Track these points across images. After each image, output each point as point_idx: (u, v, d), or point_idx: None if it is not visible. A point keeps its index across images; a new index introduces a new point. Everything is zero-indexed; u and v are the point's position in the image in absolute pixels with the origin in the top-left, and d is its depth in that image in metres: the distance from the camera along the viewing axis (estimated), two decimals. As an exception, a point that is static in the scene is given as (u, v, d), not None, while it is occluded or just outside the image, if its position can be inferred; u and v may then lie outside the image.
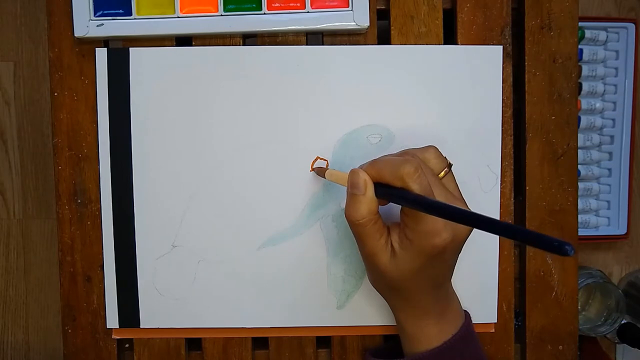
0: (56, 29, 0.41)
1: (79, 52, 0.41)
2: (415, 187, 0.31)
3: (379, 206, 0.34)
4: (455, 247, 0.33)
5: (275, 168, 0.41)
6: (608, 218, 0.59)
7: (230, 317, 0.42)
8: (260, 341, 0.43)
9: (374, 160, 0.33)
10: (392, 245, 0.33)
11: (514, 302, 0.43)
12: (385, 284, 0.35)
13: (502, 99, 0.41)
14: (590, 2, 0.60)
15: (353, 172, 0.33)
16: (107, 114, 0.41)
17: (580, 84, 0.56)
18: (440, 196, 0.33)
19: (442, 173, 0.34)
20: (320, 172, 0.39)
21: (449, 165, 0.35)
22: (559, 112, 0.42)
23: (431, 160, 0.34)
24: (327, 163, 0.41)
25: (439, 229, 0.31)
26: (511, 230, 0.24)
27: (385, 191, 0.32)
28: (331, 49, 0.41)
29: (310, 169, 0.41)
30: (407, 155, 0.34)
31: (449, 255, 0.33)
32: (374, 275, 0.36)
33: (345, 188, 0.34)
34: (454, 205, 0.33)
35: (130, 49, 0.40)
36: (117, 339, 0.43)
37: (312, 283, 0.41)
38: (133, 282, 0.41)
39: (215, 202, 0.41)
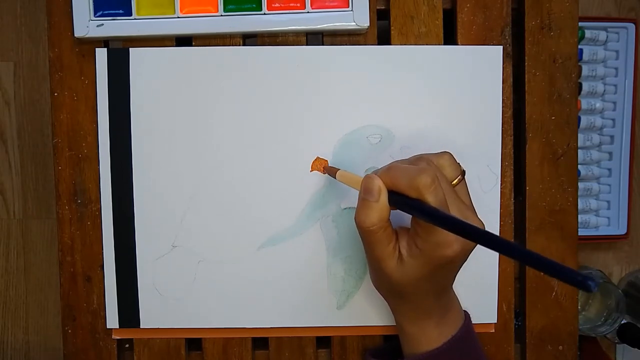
0: (56, 29, 0.41)
1: (79, 52, 0.41)
2: (431, 199, 0.30)
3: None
4: (463, 257, 0.33)
5: (275, 168, 0.41)
6: (608, 218, 0.59)
7: (230, 317, 0.42)
8: (260, 341, 0.43)
9: (389, 167, 0.33)
10: (400, 251, 0.33)
11: (514, 302, 0.43)
12: (389, 288, 0.35)
13: (502, 99, 0.41)
14: (590, 2, 0.60)
15: (368, 178, 0.32)
16: (107, 114, 0.41)
17: (580, 84, 0.56)
18: (452, 205, 0.32)
19: (456, 181, 0.34)
20: (330, 171, 0.39)
21: (463, 173, 0.35)
22: (559, 112, 0.42)
23: (446, 168, 0.34)
24: (327, 163, 0.41)
25: (451, 241, 0.31)
26: (528, 256, 0.23)
27: (399, 200, 0.31)
28: (331, 49, 0.41)
29: (311, 169, 0.41)
30: (422, 161, 0.33)
31: (456, 264, 0.33)
32: (379, 279, 0.36)
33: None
34: (466, 216, 0.32)
35: (130, 49, 0.40)
36: (117, 339, 0.43)
37: (312, 283, 0.41)
38: (133, 282, 0.41)
39: (215, 202, 0.41)
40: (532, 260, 0.22)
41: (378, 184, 0.32)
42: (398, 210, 0.33)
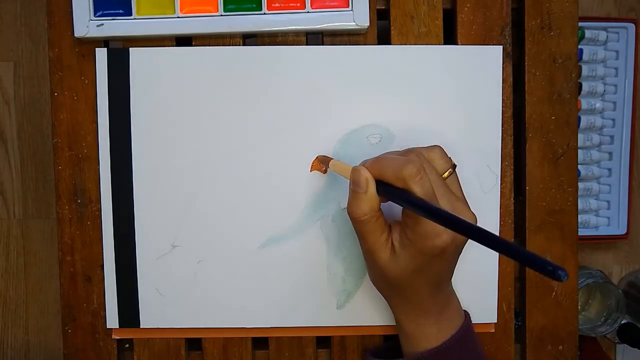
0: (56, 29, 0.41)
1: (79, 52, 0.41)
2: (417, 189, 0.30)
3: (381, 203, 0.34)
4: (455, 249, 0.33)
5: (276, 168, 0.41)
6: (608, 218, 0.59)
7: (230, 317, 0.42)
8: (260, 341, 0.43)
9: (378, 158, 0.33)
10: (392, 243, 0.33)
11: (514, 302, 0.43)
12: (385, 282, 0.35)
13: (502, 99, 0.41)
14: (590, 2, 0.60)
15: (355, 170, 0.33)
16: (107, 114, 0.41)
17: (580, 84, 0.56)
18: (442, 197, 0.32)
19: (446, 173, 0.34)
20: (324, 161, 0.39)
21: (454, 166, 0.35)
22: (559, 112, 0.42)
23: (436, 160, 0.34)
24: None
25: (440, 230, 0.31)
26: (507, 247, 0.24)
27: (386, 190, 0.32)
28: (331, 49, 0.41)
29: (311, 168, 0.41)
30: (411, 154, 0.33)
31: (449, 256, 0.33)
32: (374, 273, 0.36)
33: (347, 188, 0.34)
34: (456, 207, 0.33)
35: (130, 49, 0.40)
36: (117, 339, 0.43)
37: (312, 283, 0.41)
38: (133, 282, 0.41)
39: (215, 202, 0.41)
40: (509, 251, 0.24)
41: (365, 175, 0.33)
42: (391, 205, 0.33)
